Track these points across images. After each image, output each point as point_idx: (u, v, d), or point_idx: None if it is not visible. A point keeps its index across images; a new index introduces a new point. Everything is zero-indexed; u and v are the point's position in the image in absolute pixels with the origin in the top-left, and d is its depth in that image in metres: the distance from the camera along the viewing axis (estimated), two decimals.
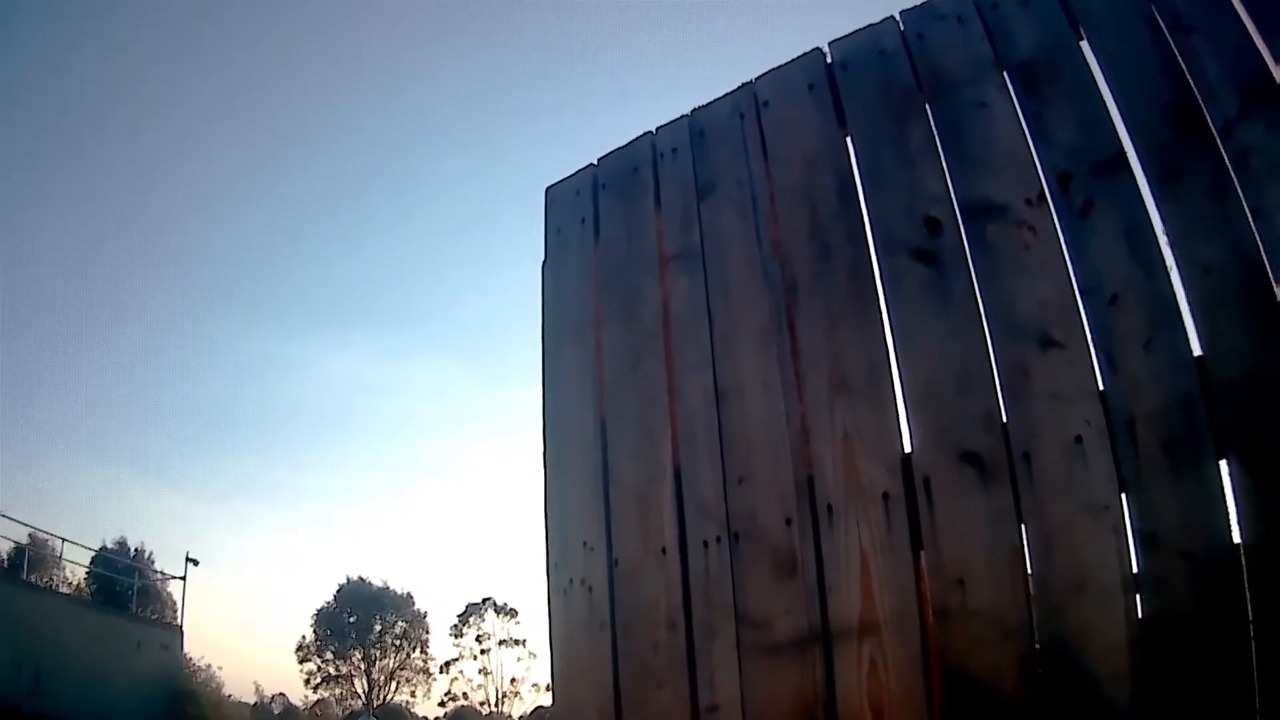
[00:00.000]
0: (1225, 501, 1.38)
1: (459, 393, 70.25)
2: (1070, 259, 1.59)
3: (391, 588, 48.47)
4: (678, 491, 1.89)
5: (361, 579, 48.20)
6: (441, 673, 48.62)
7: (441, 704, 48.86)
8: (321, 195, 67.69)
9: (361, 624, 47.51)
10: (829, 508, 1.70)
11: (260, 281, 66.81)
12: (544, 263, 2.25)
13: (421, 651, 48.40)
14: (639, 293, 2.08)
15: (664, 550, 1.88)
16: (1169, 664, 1.36)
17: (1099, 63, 1.68)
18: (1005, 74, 1.77)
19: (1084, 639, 1.44)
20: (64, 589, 24.54)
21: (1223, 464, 1.39)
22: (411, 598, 48.71)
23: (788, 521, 1.74)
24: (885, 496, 1.65)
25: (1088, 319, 1.55)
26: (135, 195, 63.94)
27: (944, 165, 1.77)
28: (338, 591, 47.95)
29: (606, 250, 2.18)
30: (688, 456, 1.90)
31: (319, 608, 47.69)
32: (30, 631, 15.75)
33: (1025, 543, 1.52)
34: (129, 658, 18.22)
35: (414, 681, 47.98)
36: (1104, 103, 1.66)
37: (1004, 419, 1.58)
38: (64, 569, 24.76)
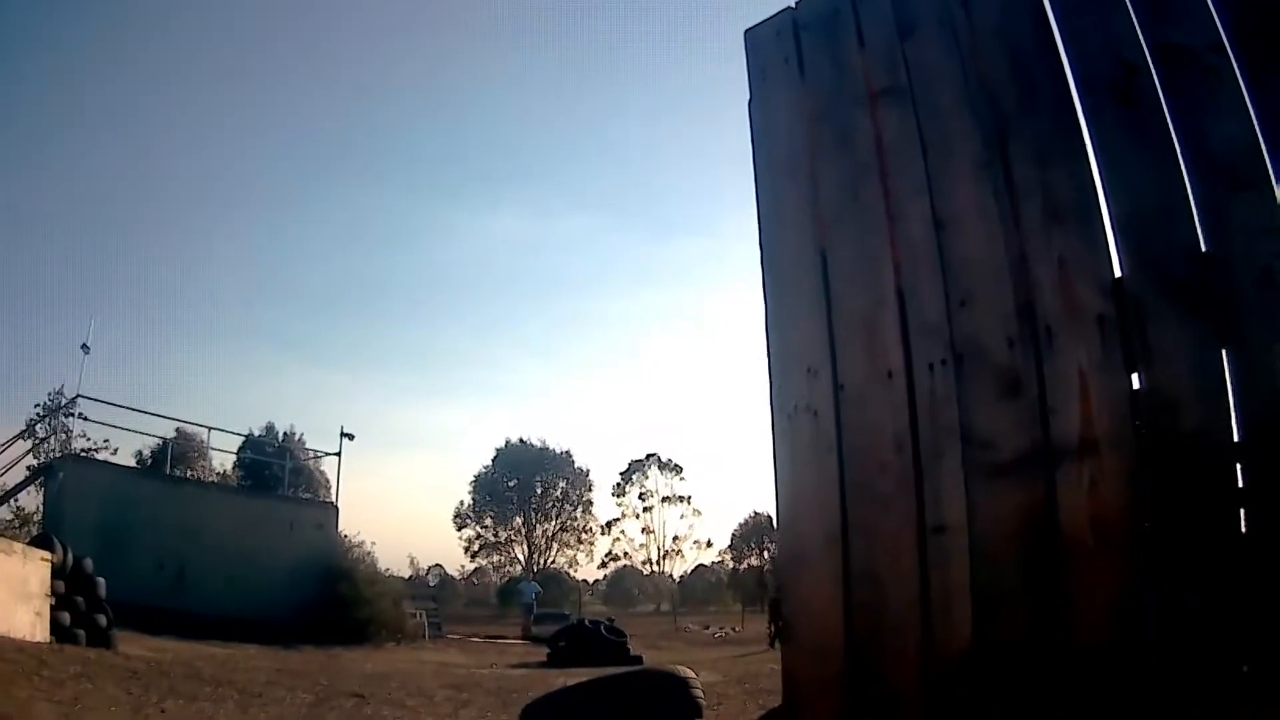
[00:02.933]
0: None
1: (611, 247, 69.35)
2: (1252, 104, 1.62)
3: (551, 447, 47.45)
4: (902, 315, 1.96)
5: (521, 440, 47.32)
6: (603, 533, 47.84)
7: (602, 564, 48.85)
8: (466, 50, 65.92)
9: (522, 487, 46.55)
10: (1048, 329, 1.77)
11: (403, 147, 66.23)
12: (750, 102, 2.34)
13: (584, 512, 47.48)
14: (850, 127, 2.15)
15: (890, 374, 1.94)
16: None
17: None
18: None
19: None
20: (212, 479, 23.89)
21: None
22: (571, 456, 47.74)
23: (1010, 343, 1.81)
24: (1100, 319, 1.71)
25: (1272, 161, 1.59)
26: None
27: (1131, 11, 1.80)
28: (495, 455, 47.13)
29: (812, 88, 2.25)
30: (910, 281, 1.96)
31: (477, 473, 47.25)
32: (174, 526, 15.47)
33: (1227, 366, 1.57)
34: (281, 540, 17.63)
35: (575, 545, 46.93)
36: None
37: (1203, 249, 1.64)
38: (210, 459, 24.09)
